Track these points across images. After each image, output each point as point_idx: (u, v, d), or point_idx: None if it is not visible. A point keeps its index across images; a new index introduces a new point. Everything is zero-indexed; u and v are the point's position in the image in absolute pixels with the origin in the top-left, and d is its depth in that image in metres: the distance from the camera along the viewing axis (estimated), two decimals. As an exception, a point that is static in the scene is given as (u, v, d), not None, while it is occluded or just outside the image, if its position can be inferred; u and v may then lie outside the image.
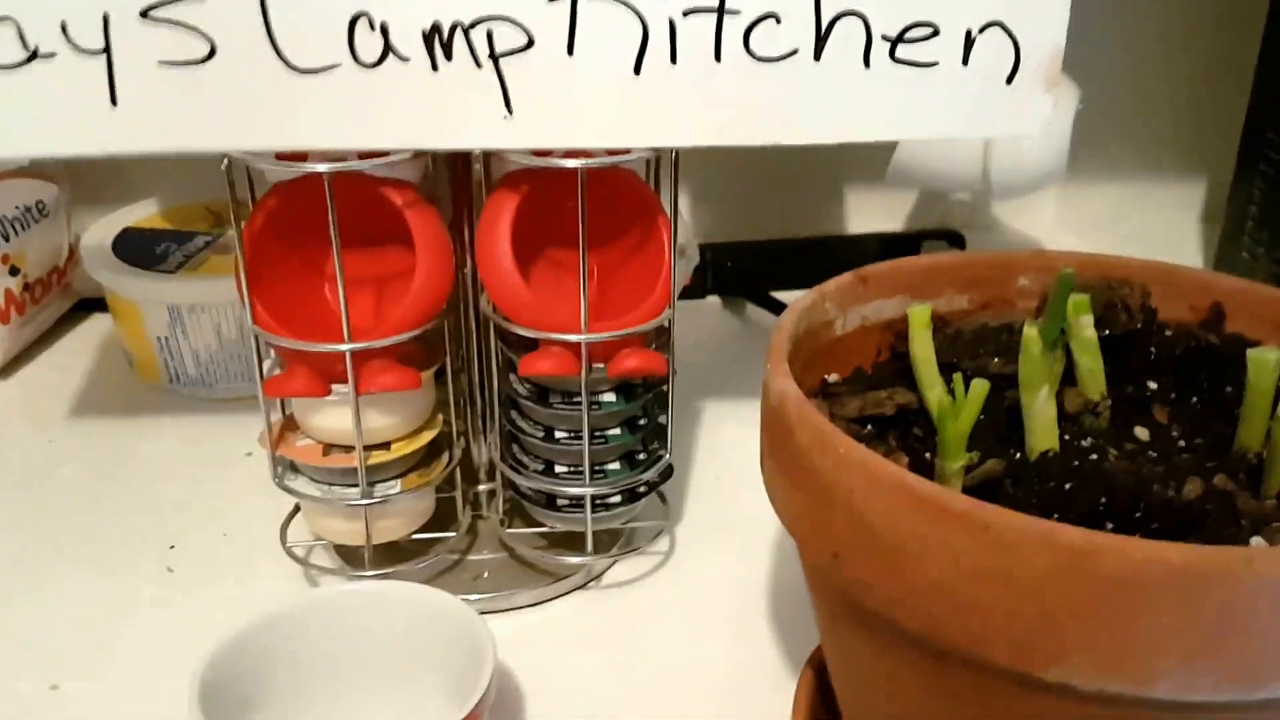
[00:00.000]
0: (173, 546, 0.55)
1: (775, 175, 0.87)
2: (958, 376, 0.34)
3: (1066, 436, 0.37)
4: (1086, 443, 0.37)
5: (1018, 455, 0.36)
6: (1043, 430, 0.36)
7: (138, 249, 0.68)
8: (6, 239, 0.68)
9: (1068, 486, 0.34)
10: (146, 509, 0.58)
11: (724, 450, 0.63)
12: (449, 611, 0.42)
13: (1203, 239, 0.92)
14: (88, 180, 0.77)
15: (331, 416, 0.47)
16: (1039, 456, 0.36)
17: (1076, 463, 0.35)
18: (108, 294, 0.68)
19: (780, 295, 0.78)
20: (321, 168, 0.42)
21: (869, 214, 0.91)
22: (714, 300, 0.81)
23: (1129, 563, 0.26)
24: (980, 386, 0.33)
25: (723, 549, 0.55)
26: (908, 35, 0.41)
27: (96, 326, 0.77)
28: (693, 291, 0.81)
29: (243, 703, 0.39)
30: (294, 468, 0.49)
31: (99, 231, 0.70)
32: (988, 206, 0.95)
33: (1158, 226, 0.92)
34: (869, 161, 0.72)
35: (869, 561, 0.31)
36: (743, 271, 0.81)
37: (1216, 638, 0.27)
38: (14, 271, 0.69)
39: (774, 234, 0.87)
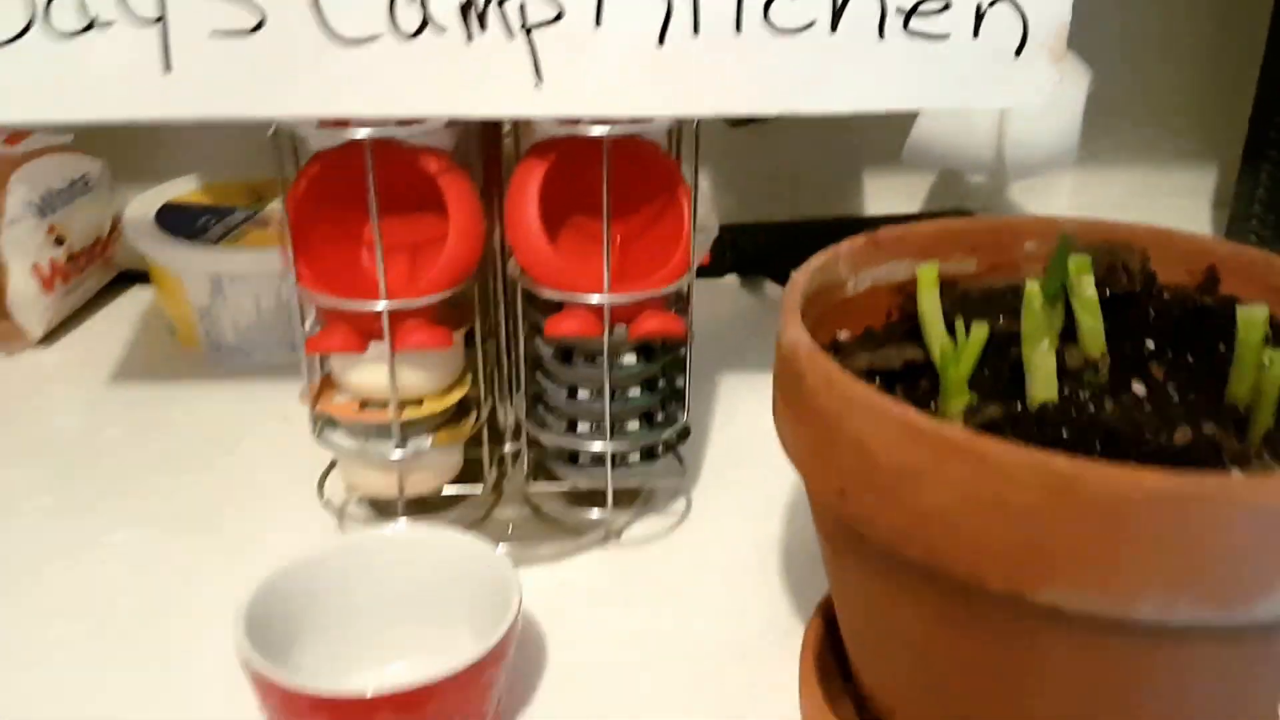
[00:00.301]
0: (214, 502, 0.58)
1: (795, 158, 0.89)
2: (960, 325, 0.36)
3: (1066, 390, 0.39)
4: (1085, 395, 0.39)
5: (1020, 406, 0.38)
6: (1043, 381, 0.38)
7: (179, 222, 0.71)
8: (54, 210, 0.71)
9: (1065, 434, 0.36)
10: (188, 468, 0.61)
11: (740, 420, 0.65)
12: (477, 554, 0.44)
13: (1214, 224, 0.93)
14: (130, 157, 0.79)
15: (368, 373, 0.50)
16: (1039, 406, 0.38)
17: (1074, 412, 0.37)
18: (151, 264, 0.70)
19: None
20: (361, 134, 0.44)
21: (886, 196, 0.93)
22: (733, 279, 0.83)
23: (1112, 487, 0.28)
24: (980, 330, 0.35)
25: (737, 511, 0.57)
26: (921, 8, 0.43)
27: (137, 298, 0.79)
28: (713, 270, 0.83)
29: (285, 636, 0.41)
30: (331, 423, 0.52)
31: (142, 205, 0.73)
32: (1004, 190, 0.97)
33: (1170, 212, 0.93)
34: (887, 144, 0.74)
35: (872, 494, 0.33)
36: (762, 251, 0.83)
37: (1195, 560, 0.29)
38: (59, 242, 0.72)
39: (793, 215, 0.89)
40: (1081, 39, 0.67)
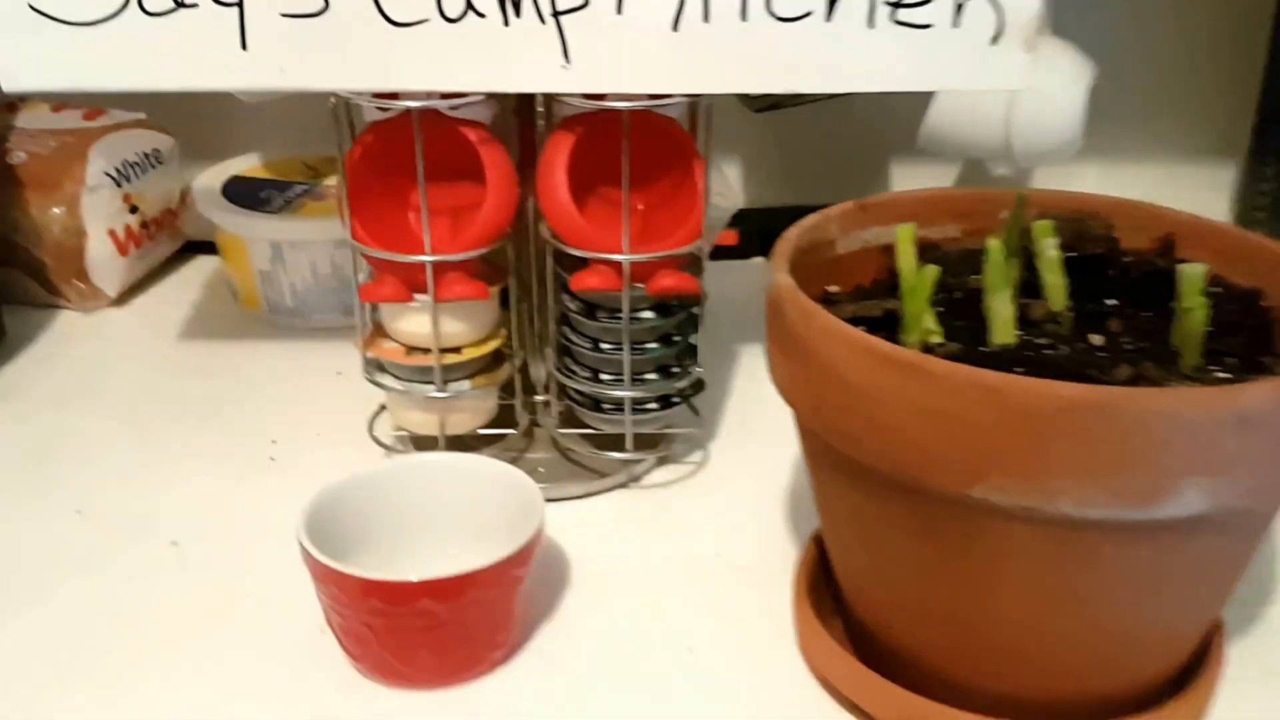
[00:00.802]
0: (274, 441, 0.64)
1: (821, 145, 0.94)
2: (926, 266, 0.41)
3: (1027, 336, 0.44)
4: (1042, 342, 0.44)
5: (983, 349, 0.43)
6: (1002, 326, 0.43)
7: (244, 193, 0.77)
8: (129, 180, 0.78)
9: (1017, 370, 0.41)
10: (250, 415, 0.67)
11: (758, 386, 0.70)
12: (508, 479, 0.50)
13: (1233, 216, 0.97)
14: (197, 134, 0.86)
15: (413, 321, 0.56)
16: (997, 347, 0.43)
17: (1029, 353, 0.42)
18: (217, 231, 0.77)
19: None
20: (412, 106, 0.50)
21: (913, 183, 0.97)
22: (760, 260, 0.89)
23: (1033, 397, 0.34)
24: (932, 270, 0.40)
25: (749, 463, 0.62)
26: (905, 1, 0.49)
27: (202, 265, 0.86)
28: (741, 252, 0.88)
29: (341, 541, 0.47)
30: (380, 366, 0.58)
31: (209, 178, 0.79)
32: (1028, 180, 1.01)
33: (1190, 204, 0.97)
34: (910, 133, 0.79)
35: (842, 410, 0.38)
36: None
37: (1105, 461, 0.34)
38: (133, 210, 0.79)
39: (819, 200, 0.94)
40: (1102, 39, 0.72)
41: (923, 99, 0.76)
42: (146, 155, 0.80)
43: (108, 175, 0.76)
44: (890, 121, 0.92)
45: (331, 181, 0.80)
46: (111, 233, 0.77)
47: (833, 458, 0.41)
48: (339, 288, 0.76)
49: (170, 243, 0.85)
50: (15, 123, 0.78)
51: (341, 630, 0.46)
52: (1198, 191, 1.00)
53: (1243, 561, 0.41)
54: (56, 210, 0.75)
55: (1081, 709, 0.41)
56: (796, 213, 0.91)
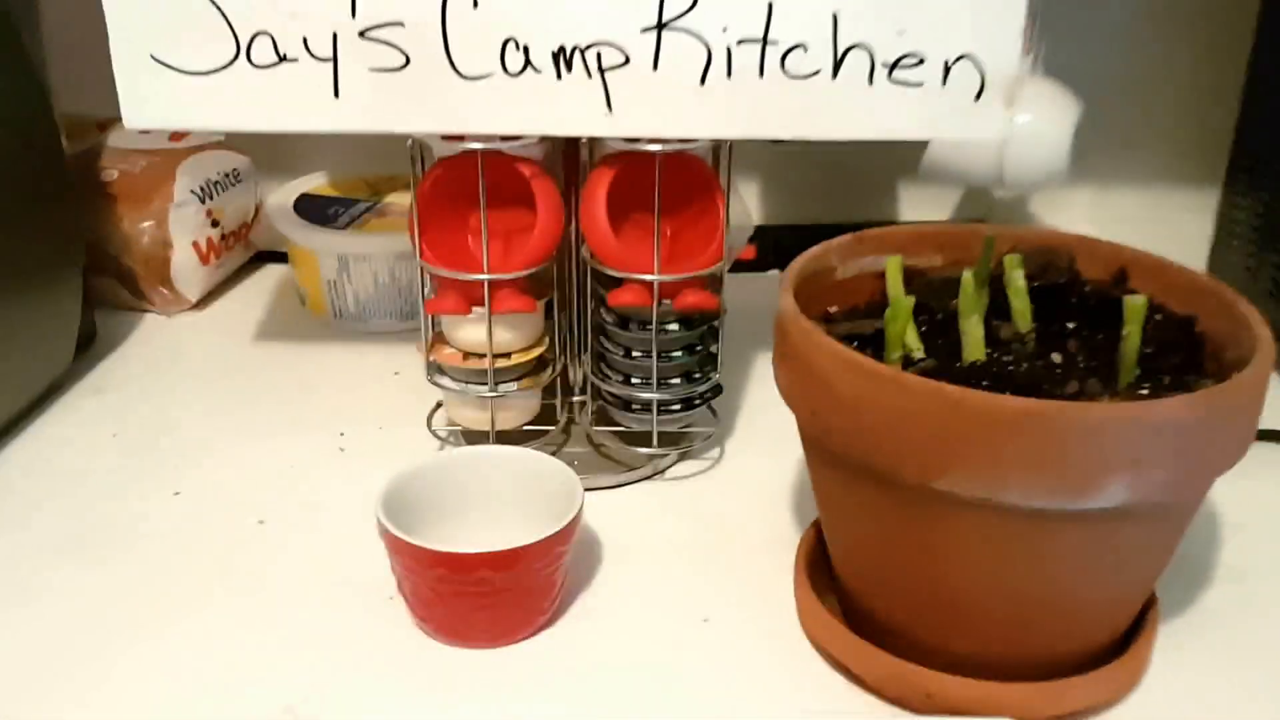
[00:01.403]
0: (342, 433, 0.73)
1: (834, 169, 1.02)
2: (905, 296, 0.49)
3: (995, 354, 0.52)
4: (1007, 359, 0.52)
5: (957, 365, 0.51)
6: (973, 345, 0.51)
7: (313, 210, 0.86)
8: (212, 197, 0.87)
9: (984, 383, 0.49)
10: (319, 408, 0.76)
11: (769, 391, 0.77)
12: (552, 470, 0.58)
13: (1212, 239, 1.04)
14: (269, 155, 0.95)
15: (470, 330, 0.64)
16: (968, 364, 0.51)
17: (994, 369, 0.50)
18: (289, 244, 0.86)
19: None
20: (476, 146, 0.59)
21: (918, 205, 1.05)
22: (775, 273, 0.97)
23: (987, 407, 0.42)
24: (908, 300, 0.48)
25: (759, 459, 0.70)
26: (901, 63, 0.57)
27: (271, 273, 0.95)
28: (757, 265, 0.96)
29: (410, 519, 0.55)
30: (440, 369, 0.66)
31: (282, 195, 0.88)
32: (1025, 204, 1.09)
33: (1174, 226, 1.04)
34: (907, 160, 0.87)
35: (833, 414, 0.46)
36: (801, 249, 0.96)
37: (1046, 461, 0.42)
38: (215, 223, 0.88)
39: (831, 219, 1.02)
40: (1091, 75, 0.79)
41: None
42: (226, 174, 0.89)
43: (193, 193, 0.85)
44: (890, 150, 1.00)
45: (392, 199, 0.88)
46: (195, 244, 0.86)
47: (826, 454, 0.49)
48: (397, 296, 0.84)
49: (243, 253, 0.93)
50: (106, 142, 0.87)
51: (411, 595, 0.55)
52: (1180, 214, 1.06)
53: (1168, 545, 0.49)
54: (146, 224, 0.84)
55: (1037, 666, 0.49)
56: (806, 230, 0.99)
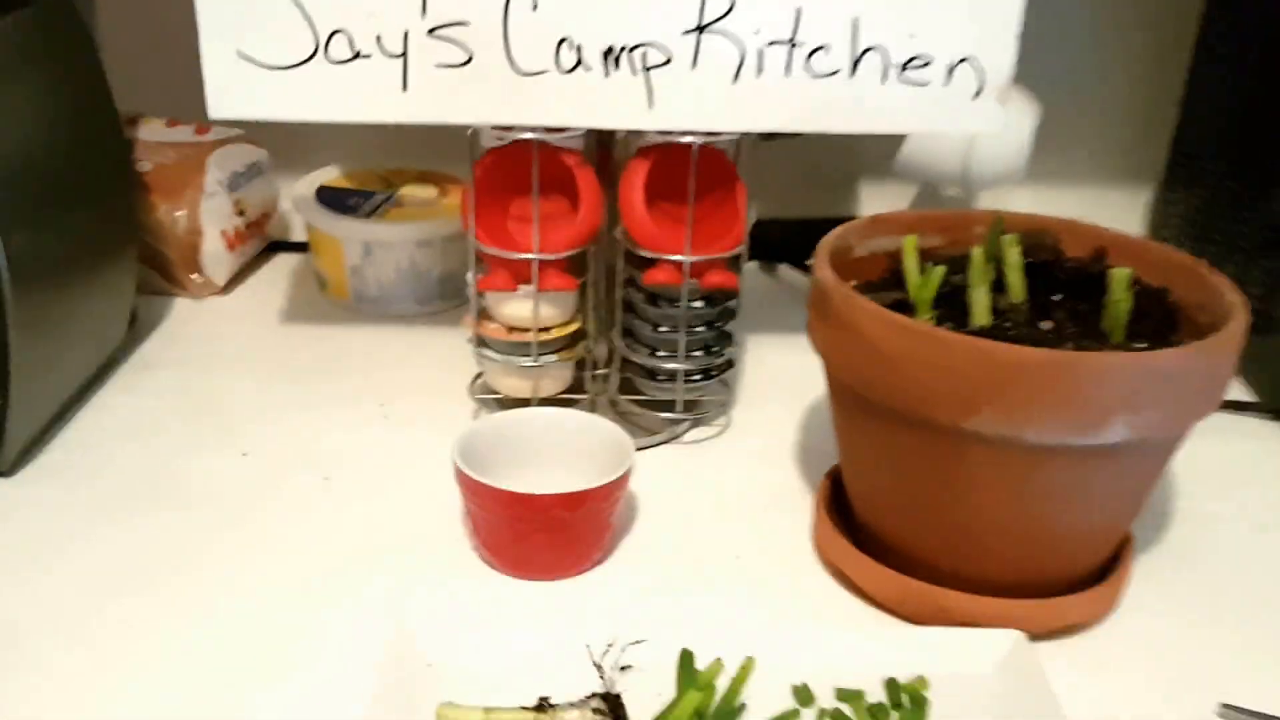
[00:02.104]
0: (382, 405, 0.78)
1: (809, 169, 1.09)
2: (929, 272, 0.57)
3: (997, 321, 0.60)
4: (1008, 324, 0.60)
5: (965, 329, 0.59)
6: (980, 312, 0.59)
7: (334, 200, 0.91)
8: (238, 188, 0.92)
9: (993, 342, 0.57)
10: (355, 380, 0.81)
11: (764, 364, 0.86)
12: (605, 428, 0.65)
13: (1145, 236, 1.14)
14: (282, 148, 1.00)
15: (515, 306, 0.70)
16: (977, 327, 0.59)
17: (999, 332, 0.58)
18: (312, 231, 0.91)
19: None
20: (528, 136, 0.65)
21: (882, 201, 1.13)
22: (753, 264, 1.04)
23: (1010, 357, 0.50)
24: (939, 270, 0.56)
25: (765, 425, 0.78)
26: (911, 64, 0.64)
27: (286, 261, 1.00)
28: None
29: (481, 467, 0.61)
30: (484, 342, 0.72)
31: (302, 187, 0.93)
32: (974, 201, 1.17)
33: (1107, 225, 1.14)
34: (883, 160, 0.95)
35: (869, 366, 0.54)
36: (778, 242, 1.03)
37: (1060, 403, 0.50)
38: (240, 212, 0.92)
39: (805, 214, 1.09)
40: (1037, 80, 0.88)
41: (890, 135, 0.92)
42: (250, 166, 0.94)
43: (221, 183, 0.90)
44: (861, 151, 1.09)
45: (405, 191, 0.94)
46: (224, 233, 0.91)
47: (858, 400, 0.57)
48: (416, 282, 0.90)
49: (260, 242, 0.98)
50: (138, 135, 0.92)
51: (487, 532, 0.61)
52: (1116, 212, 1.16)
53: (1152, 479, 0.57)
54: (180, 212, 0.88)
55: (1036, 587, 0.57)
56: (787, 224, 1.07)
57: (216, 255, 0.91)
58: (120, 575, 0.61)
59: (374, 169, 0.98)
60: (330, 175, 0.96)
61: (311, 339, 0.87)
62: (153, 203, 0.88)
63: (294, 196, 0.92)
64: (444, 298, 0.91)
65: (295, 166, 0.99)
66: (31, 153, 0.68)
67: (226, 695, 0.54)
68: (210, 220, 0.90)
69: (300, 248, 1.01)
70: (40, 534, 0.64)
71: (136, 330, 0.85)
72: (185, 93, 0.94)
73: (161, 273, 0.90)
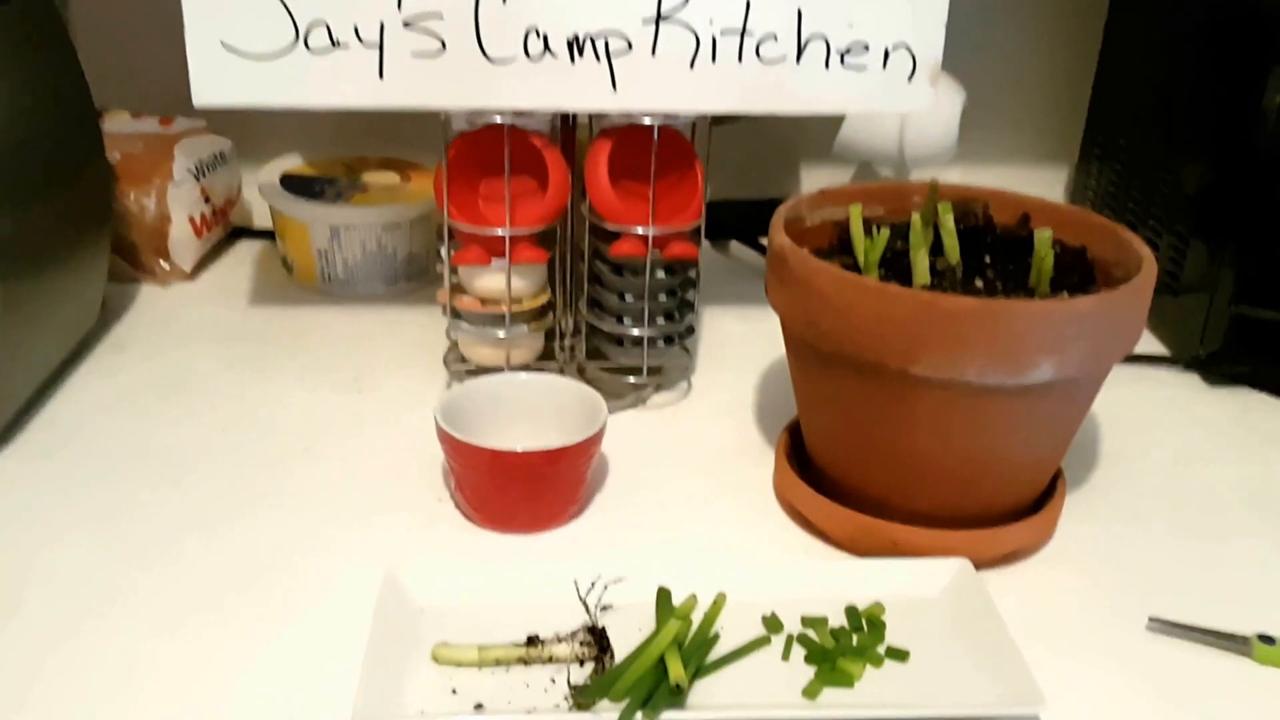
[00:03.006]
0: (356, 378, 0.82)
1: (754, 153, 1.15)
2: (875, 234, 0.63)
3: (936, 280, 0.66)
4: (946, 284, 0.65)
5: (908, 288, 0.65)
6: (921, 272, 0.65)
7: (300, 187, 0.95)
8: (204, 175, 0.95)
9: (933, 299, 0.63)
10: (327, 355, 0.85)
11: (717, 331, 0.91)
12: (578, 390, 0.70)
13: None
14: (243, 138, 1.03)
15: (488, 279, 0.75)
16: (919, 286, 0.64)
17: (937, 290, 0.64)
18: (278, 217, 0.94)
19: (762, 240, 1.06)
20: (499, 120, 0.70)
21: (820, 182, 1.19)
22: (706, 243, 1.09)
23: (950, 306, 0.55)
24: (885, 232, 0.61)
25: (722, 388, 0.83)
26: (850, 50, 0.70)
27: (249, 247, 1.03)
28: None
29: (462, 427, 0.66)
30: (457, 314, 0.77)
31: (267, 174, 0.96)
32: (908, 177, 1.24)
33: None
34: (821, 144, 1.01)
35: (822, 318, 0.59)
36: (728, 221, 1.08)
37: (996, 346, 0.56)
38: (207, 200, 0.95)
39: (752, 195, 1.15)
40: (963, 67, 0.94)
41: (829, 120, 0.98)
42: (215, 155, 0.97)
43: (189, 171, 0.93)
44: (801, 137, 1.15)
45: (367, 177, 0.98)
46: (191, 219, 0.94)
47: (814, 353, 0.62)
48: (383, 263, 0.94)
49: (224, 228, 1.01)
50: (104, 127, 0.94)
51: (470, 490, 0.66)
52: (1038, 188, 1.23)
53: (1078, 415, 0.63)
54: (148, 200, 0.91)
55: (979, 518, 0.63)
56: (736, 204, 1.12)
57: (184, 241, 0.94)
58: (109, 546, 0.64)
59: (336, 157, 1.01)
60: (293, 163, 0.99)
61: (282, 320, 0.91)
62: (121, 191, 0.91)
63: (260, 184, 0.95)
64: (409, 278, 0.96)
65: (253, 156, 1.02)
66: (8, 142, 0.70)
67: (226, 652, 0.57)
68: (178, 207, 0.93)
69: (262, 234, 1.04)
70: (27, 509, 0.67)
71: (106, 316, 0.88)
72: (149, 87, 0.98)
73: (129, 259, 0.93)
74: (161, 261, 0.94)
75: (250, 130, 1.02)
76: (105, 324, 0.88)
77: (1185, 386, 0.86)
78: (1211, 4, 0.87)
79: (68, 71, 0.79)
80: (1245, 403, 0.84)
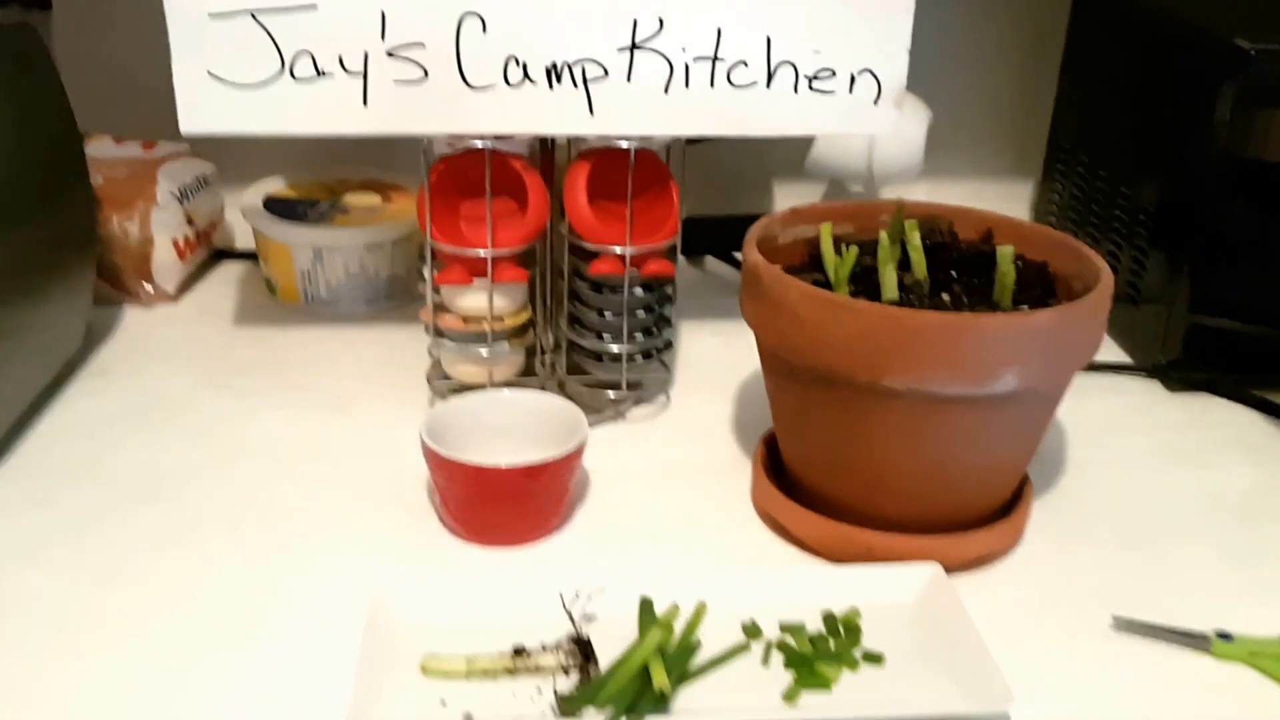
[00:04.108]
0: (340, 397, 0.84)
1: (728, 171, 1.17)
2: (844, 251, 0.65)
3: (904, 295, 0.68)
4: (913, 298, 0.68)
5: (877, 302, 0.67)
6: (889, 288, 0.67)
7: (283, 209, 0.96)
8: (188, 199, 0.96)
9: (901, 313, 0.65)
10: (310, 375, 0.86)
11: (693, 347, 0.93)
12: (559, 406, 0.72)
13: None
14: (224, 162, 1.04)
15: (470, 298, 0.77)
16: (887, 301, 0.67)
17: (905, 305, 0.67)
18: (261, 239, 0.96)
19: (737, 255, 1.09)
20: (479, 144, 0.72)
21: (792, 199, 1.22)
22: (681, 259, 1.11)
23: (920, 321, 0.58)
24: (853, 251, 0.64)
25: (700, 402, 0.85)
26: (818, 76, 0.73)
27: (231, 269, 1.05)
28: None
29: (446, 443, 0.67)
30: (440, 332, 0.79)
31: (250, 197, 0.98)
32: (875, 197, 1.27)
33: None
34: (793, 163, 1.04)
35: (794, 334, 0.62)
36: (703, 237, 1.11)
37: (960, 359, 0.58)
38: (190, 222, 0.97)
39: (726, 212, 1.17)
40: (928, 89, 0.97)
41: (800, 139, 1.00)
42: (198, 179, 0.98)
43: (172, 195, 0.95)
44: (773, 156, 1.17)
45: (349, 199, 0.99)
46: (174, 242, 0.95)
47: (787, 367, 0.65)
48: (365, 283, 0.96)
49: (206, 251, 1.03)
50: (88, 151, 0.96)
51: (454, 504, 0.67)
52: (1002, 204, 1.26)
53: (1042, 424, 0.66)
54: (131, 224, 0.93)
55: (948, 525, 0.66)
56: (710, 221, 1.15)
57: (168, 264, 0.95)
58: (96, 567, 0.66)
59: (318, 179, 1.03)
60: (275, 186, 1.01)
61: (265, 339, 0.92)
62: (105, 215, 0.92)
63: (243, 206, 0.97)
64: (390, 298, 0.97)
65: (235, 179, 1.04)
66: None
67: (214, 670, 0.59)
68: (162, 230, 0.94)
69: (245, 256, 1.06)
70: (9, 532, 0.68)
71: (90, 339, 0.89)
72: (130, 113, 0.99)
73: (112, 283, 0.94)
74: (145, 284, 0.95)
75: (232, 153, 1.04)
76: (89, 346, 0.89)
77: (1146, 393, 0.89)
78: (1163, 25, 0.91)
79: (52, 96, 0.80)
80: (1204, 407, 0.87)
